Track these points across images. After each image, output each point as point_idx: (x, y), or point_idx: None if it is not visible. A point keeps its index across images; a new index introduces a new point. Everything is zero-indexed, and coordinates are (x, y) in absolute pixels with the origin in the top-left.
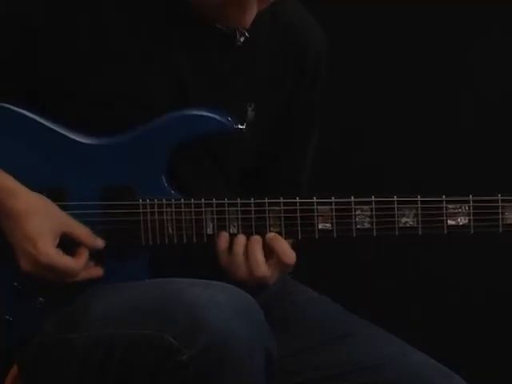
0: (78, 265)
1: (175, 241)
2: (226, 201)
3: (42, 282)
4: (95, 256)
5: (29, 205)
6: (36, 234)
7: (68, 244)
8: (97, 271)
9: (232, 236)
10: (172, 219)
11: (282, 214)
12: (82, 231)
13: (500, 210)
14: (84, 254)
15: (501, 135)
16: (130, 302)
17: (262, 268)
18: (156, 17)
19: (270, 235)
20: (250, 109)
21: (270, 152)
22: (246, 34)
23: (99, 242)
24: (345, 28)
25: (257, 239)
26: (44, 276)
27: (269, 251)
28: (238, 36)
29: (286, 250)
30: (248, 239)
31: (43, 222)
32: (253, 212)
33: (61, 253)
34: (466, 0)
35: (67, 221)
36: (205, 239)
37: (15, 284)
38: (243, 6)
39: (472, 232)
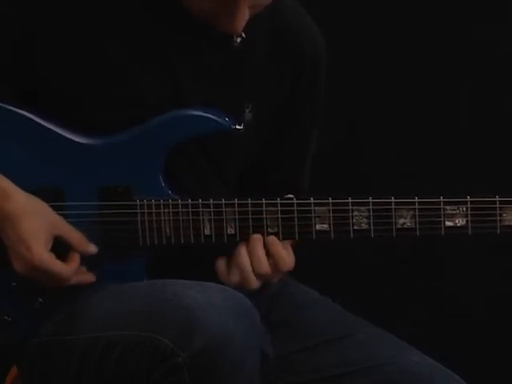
0: (69, 270)
1: (173, 241)
2: (223, 201)
3: (36, 283)
4: (93, 257)
5: (22, 206)
6: (30, 236)
7: (61, 247)
8: (88, 277)
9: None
10: (169, 219)
11: (280, 215)
12: (74, 236)
13: (498, 212)
14: (75, 260)
15: (499, 136)
16: (126, 304)
17: (264, 265)
18: (152, 18)
19: (270, 239)
20: (247, 110)
21: (267, 153)
22: (243, 34)
23: (91, 248)
24: (343, 29)
25: (258, 237)
26: (37, 278)
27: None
28: (234, 37)
29: (283, 256)
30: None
31: (37, 224)
32: (250, 213)
33: (53, 257)
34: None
35: (61, 224)
36: (202, 240)
37: (14, 284)
38: (234, 13)
39: (470, 233)
